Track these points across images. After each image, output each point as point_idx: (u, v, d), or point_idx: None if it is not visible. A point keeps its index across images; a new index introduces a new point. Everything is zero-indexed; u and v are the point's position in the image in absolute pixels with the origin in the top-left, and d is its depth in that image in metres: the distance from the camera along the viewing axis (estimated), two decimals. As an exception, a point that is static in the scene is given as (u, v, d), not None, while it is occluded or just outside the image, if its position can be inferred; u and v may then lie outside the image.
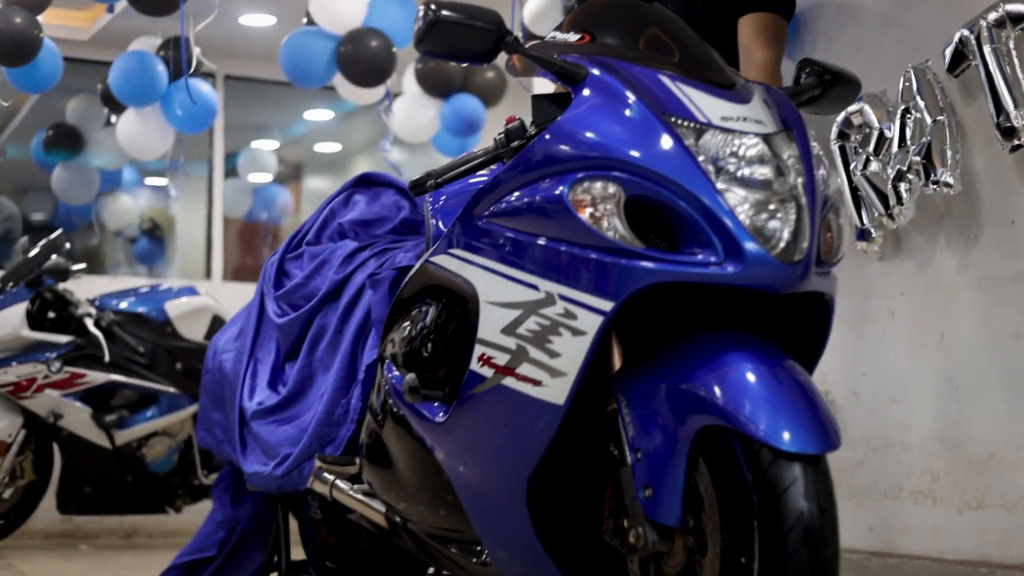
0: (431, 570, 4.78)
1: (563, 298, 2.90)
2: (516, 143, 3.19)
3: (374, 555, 4.50)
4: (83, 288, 7.78)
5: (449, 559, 3.62)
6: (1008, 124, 4.08)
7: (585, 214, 2.86)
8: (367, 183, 4.63)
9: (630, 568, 2.98)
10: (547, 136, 3.02)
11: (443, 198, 3.75)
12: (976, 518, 4.29)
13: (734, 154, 2.87)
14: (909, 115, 4.43)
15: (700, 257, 2.81)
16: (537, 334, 2.95)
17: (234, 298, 6.81)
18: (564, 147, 2.97)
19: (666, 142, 2.87)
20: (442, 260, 3.37)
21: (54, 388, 7.10)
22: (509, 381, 3.03)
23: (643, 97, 2.94)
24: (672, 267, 2.81)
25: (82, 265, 7.64)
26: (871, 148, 4.57)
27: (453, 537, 3.55)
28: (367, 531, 4.40)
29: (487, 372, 3.09)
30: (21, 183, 10.50)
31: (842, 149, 4.69)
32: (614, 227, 2.84)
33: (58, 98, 9.55)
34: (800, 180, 2.90)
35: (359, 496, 3.99)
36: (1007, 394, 4.23)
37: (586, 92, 3.02)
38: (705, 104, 2.95)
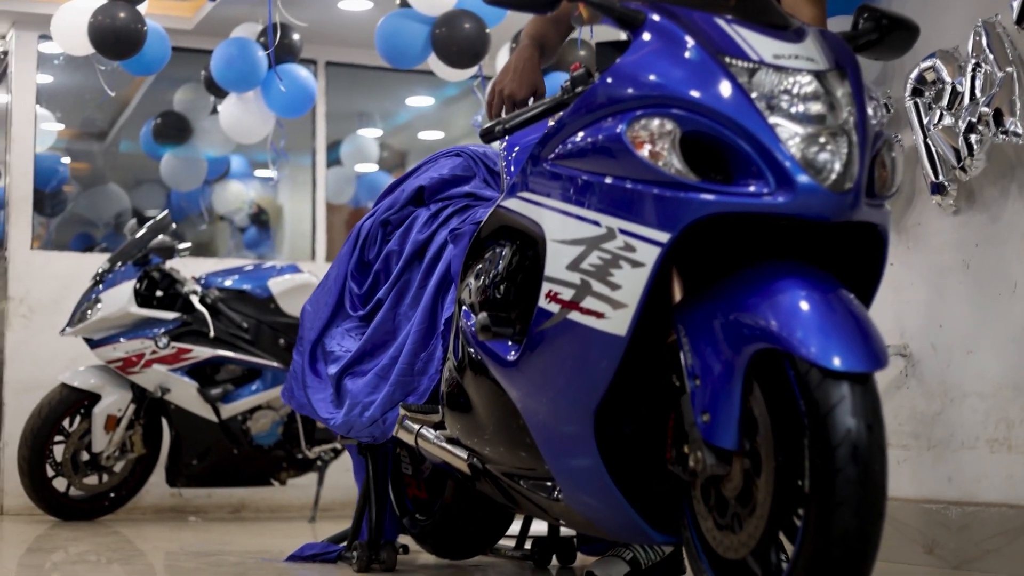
0: (515, 527, 4.93)
1: (623, 232, 3.02)
2: (580, 88, 3.32)
3: (459, 508, 4.63)
4: (190, 269, 8.00)
5: (526, 497, 3.74)
6: (1075, 72, 4.15)
7: (643, 150, 2.98)
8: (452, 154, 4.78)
9: (693, 494, 3.09)
10: (608, 79, 3.15)
11: (517, 148, 3.89)
12: (1050, 463, 4.36)
13: (787, 91, 2.97)
14: (979, 69, 4.50)
15: (753, 188, 2.91)
16: (599, 268, 3.07)
17: None
18: (623, 88, 3.10)
19: (720, 80, 2.97)
20: (512, 204, 3.51)
21: (161, 363, 7.31)
22: (574, 315, 3.15)
23: (699, 39, 3.05)
24: (725, 198, 2.91)
25: (187, 244, 7.86)
26: (944, 103, 4.64)
27: (529, 475, 3.68)
28: (453, 484, 4.55)
29: (554, 308, 3.22)
30: (134, 175, 10.75)
31: (916, 106, 4.75)
32: (670, 162, 2.94)
33: (166, 88, 9.78)
34: (852, 116, 2.98)
35: (443, 443, 4.13)
36: (1079, 339, 4.29)
37: (645, 36, 3.14)
38: (759, 44, 3.05)
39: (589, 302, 3.11)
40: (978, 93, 4.48)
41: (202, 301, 7.42)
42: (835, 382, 2.72)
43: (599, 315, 3.09)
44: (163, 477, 7.72)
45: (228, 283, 7.66)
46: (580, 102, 3.21)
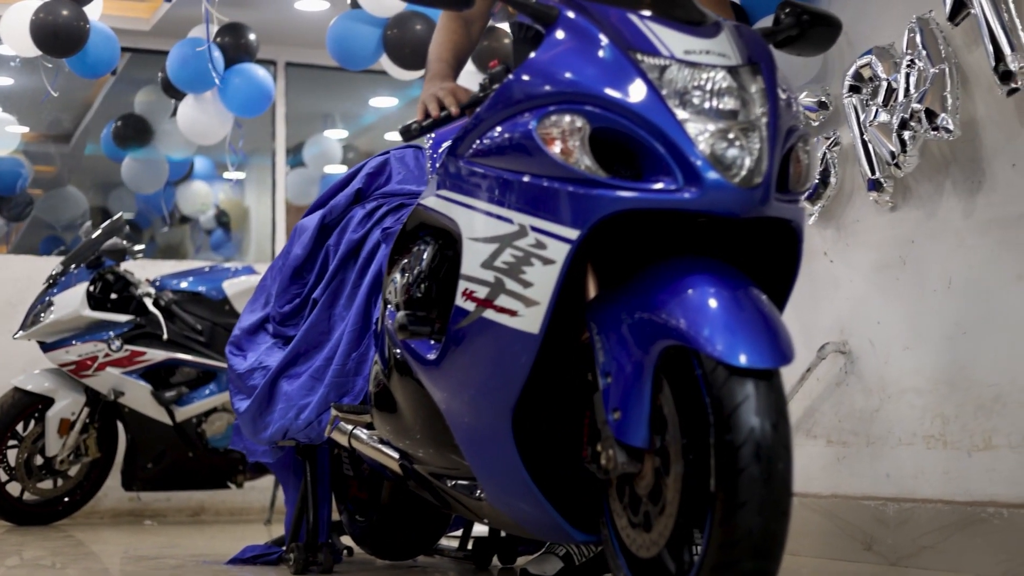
0: (451, 528, 4.92)
1: (534, 229, 3.01)
2: (497, 86, 3.31)
3: (397, 508, 4.63)
4: (149, 271, 7.99)
5: (454, 498, 3.73)
6: (1005, 68, 4.15)
7: (553, 147, 2.97)
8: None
9: (609, 492, 3.08)
10: (521, 75, 3.14)
11: (445, 144, 3.88)
12: (984, 459, 4.36)
13: (698, 87, 2.96)
14: (913, 66, 4.50)
15: (661, 185, 2.90)
16: (512, 265, 3.06)
17: None
18: (536, 84, 3.09)
19: (631, 77, 2.96)
20: (431, 201, 3.50)
21: (115, 366, 7.29)
22: (489, 313, 3.14)
23: (611, 35, 3.04)
24: (633, 195, 2.90)
25: (141, 246, 7.84)
26: (880, 100, 4.64)
27: (455, 476, 3.67)
28: (389, 485, 4.55)
29: (470, 306, 3.21)
30: (101, 177, 10.74)
31: (853, 103, 4.75)
32: (580, 159, 2.93)
33: (127, 90, 9.77)
34: (764, 111, 2.98)
35: (376, 444, 4.12)
36: (1012, 336, 4.29)
37: (559, 32, 3.13)
38: (671, 40, 3.04)
39: (503, 300, 3.10)
40: (912, 90, 4.48)
41: (156, 303, 7.40)
42: (740, 380, 2.71)
43: (512, 313, 3.08)
44: (120, 481, 7.69)
45: (182, 285, 7.64)
46: (495, 98, 3.20)
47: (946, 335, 4.51)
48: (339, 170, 10.95)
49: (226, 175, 10.60)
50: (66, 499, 7.54)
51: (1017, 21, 4.15)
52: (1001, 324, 4.33)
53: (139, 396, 7.36)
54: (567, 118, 2.97)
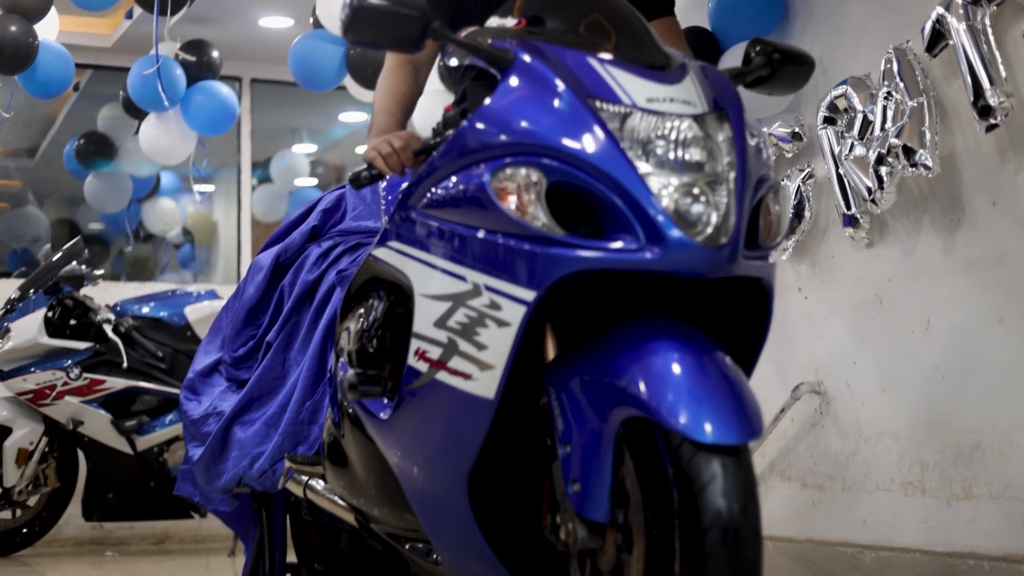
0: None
1: (489, 289, 2.84)
2: (451, 132, 3.13)
3: (355, 556, 4.45)
4: (111, 293, 7.81)
5: (408, 559, 3.57)
6: (984, 103, 3.99)
7: (507, 201, 2.79)
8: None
9: (570, 563, 2.92)
10: (476, 122, 2.95)
11: (403, 186, 3.70)
12: (964, 509, 4.20)
13: (662, 137, 2.78)
14: (890, 97, 4.34)
15: (621, 244, 2.72)
16: (466, 326, 2.89)
17: None
18: (491, 133, 2.90)
19: (590, 126, 2.78)
20: (382, 253, 3.33)
21: (74, 395, 7.11)
22: (442, 375, 2.97)
23: (568, 81, 2.86)
24: (592, 254, 2.73)
25: (100, 272, 7.65)
26: (855, 133, 4.49)
27: (409, 536, 3.50)
28: (347, 534, 4.38)
29: (422, 367, 3.03)
30: (67, 192, 10.54)
31: (828, 135, 4.59)
32: (535, 215, 2.76)
33: (91, 106, 9.59)
34: (731, 162, 2.80)
35: (331, 496, 3.94)
36: (992, 381, 4.13)
37: (514, 78, 2.95)
38: (633, 86, 2.86)
39: (456, 362, 2.93)
40: (888, 123, 4.32)
41: (115, 330, 7.21)
42: (706, 456, 2.54)
43: (466, 376, 2.91)
44: (81, 510, 7.50)
45: (143, 310, 7.45)
46: (448, 146, 3.02)
47: (924, 378, 4.36)
48: (308, 183, 10.79)
49: (195, 188, 10.38)
50: (24, 530, 7.36)
51: (997, 54, 4.00)
52: (981, 368, 4.17)
53: (99, 426, 7.17)
54: (522, 171, 2.79)
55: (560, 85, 2.86)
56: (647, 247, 2.70)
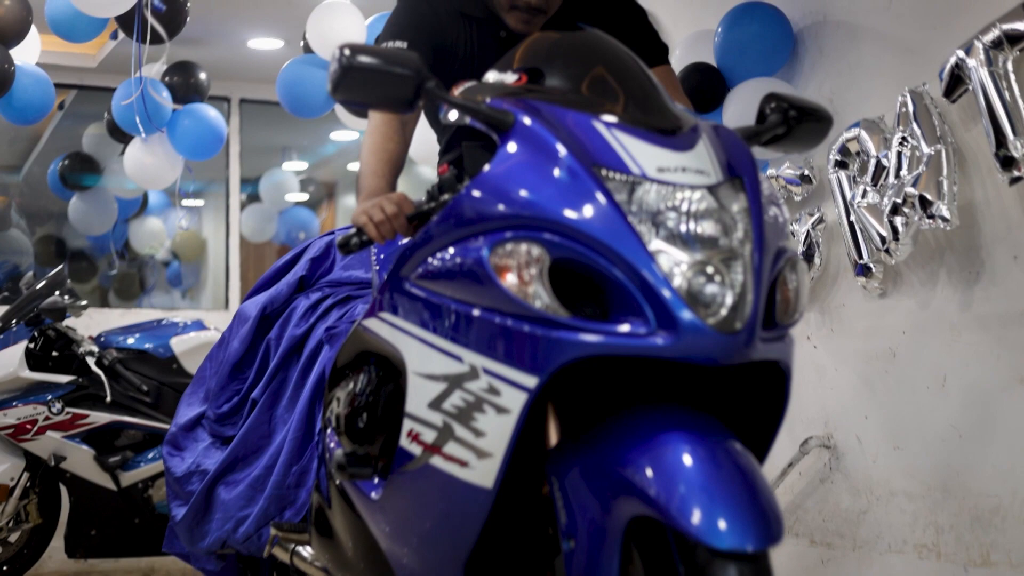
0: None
1: (487, 372, 2.65)
2: (447, 196, 2.94)
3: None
4: (93, 319, 7.60)
5: None
6: (1007, 153, 3.79)
7: (507, 279, 2.60)
8: None
9: (574, 661, 2.72)
10: (473, 190, 2.76)
11: (397, 247, 3.51)
12: (982, 576, 4.01)
13: (673, 208, 2.59)
14: (905, 143, 4.15)
15: (630, 327, 2.52)
16: (462, 411, 2.70)
17: None
18: (489, 203, 2.71)
19: (595, 198, 2.58)
20: (373, 324, 3.13)
21: (56, 430, 6.87)
22: (436, 460, 2.78)
23: (572, 147, 2.67)
24: (598, 339, 2.53)
25: (83, 302, 7.42)
26: (868, 178, 4.29)
27: (401, 618, 3.31)
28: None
29: (416, 449, 2.85)
30: (55, 209, 10.33)
31: (839, 179, 4.40)
32: (537, 294, 2.57)
33: (77, 125, 9.39)
34: (748, 235, 2.61)
35: (318, 566, 3.75)
36: (1012, 443, 3.94)
37: (513, 142, 2.76)
38: (641, 153, 2.66)
39: (452, 448, 2.74)
40: (904, 171, 4.12)
41: (99, 363, 6.97)
42: (721, 564, 2.35)
43: (463, 463, 2.72)
44: (64, 545, 7.29)
45: (128, 341, 7.21)
46: (445, 215, 2.83)
47: (940, 437, 4.16)
48: (299, 198, 10.59)
49: (181, 214, 10.18)
50: (5, 567, 7.14)
51: (1020, 101, 3.80)
52: (1001, 430, 3.98)
53: (82, 461, 6.94)
54: (523, 247, 2.60)
55: (563, 152, 2.67)
56: (657, 332, 2.51)
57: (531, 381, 2.56)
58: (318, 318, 4.11)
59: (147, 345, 7.19)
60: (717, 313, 2.51)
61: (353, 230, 3.14)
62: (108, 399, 6.90)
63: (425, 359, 2.82)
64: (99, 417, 6.92)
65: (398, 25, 3.62)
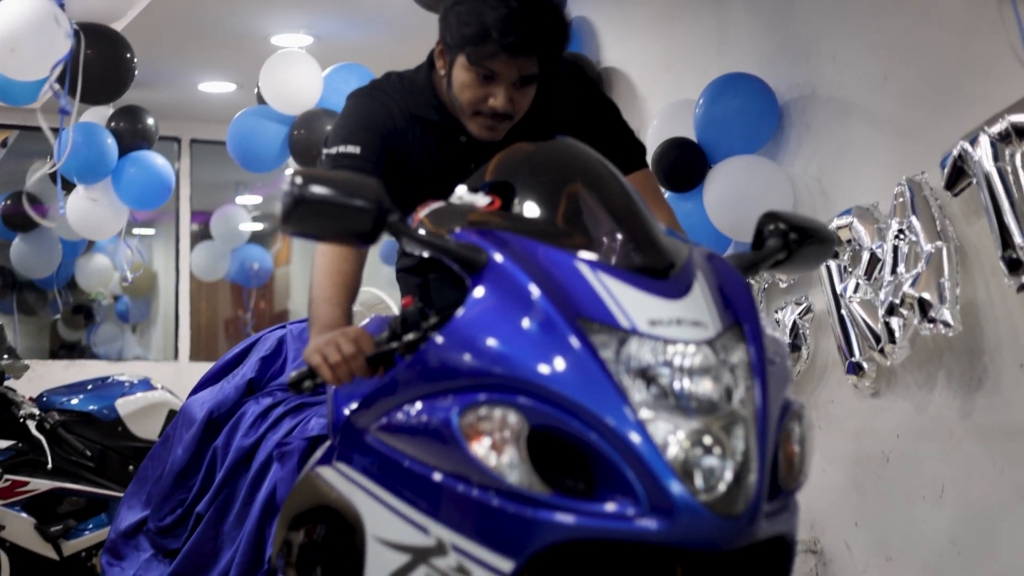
0: None
1: (456, 549, 2.35)
2: (411, 336, 2.62)
3: None
4: (36, 371, 7.26)
5: None
6: (1013, 256, 3.51)
7: (479, 446, 2.30)
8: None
9: None
10: (440, 341, 2.45)
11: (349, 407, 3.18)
12: None
13: (667, 365, 2.29)
14: (903, 236, 3.87)
15: (617, 507, 2.23)
16: (429, 589, 2.39)
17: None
18: (459, 356, 2.41)
19: (578, 355, 2.29)
20: (327, 473, 2.82)
21: (-6, 498, 6.57)
22: (398, 641, 2.47)
23: (552, 294, 2.37)
24: (582, 520, 2.24)
25: (25, 363, 7.07)
26: (861, 271, 4.01)
27: None
28: None
29: (377, 624, 2.53)
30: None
31: (829, 269, 4.11)
32: (514, 467, 2.27)
33: (20, 162, 9.05)
34: (750, 395, 2.31)
35: None
36: (1016, 564, 3.68)
37: (484, 286, 2.45)
38: (631, 302, 2.37)
39: (416, 630, 2.43)
40: (901, 267, 3.84)
41: (40, 427, 6.63)
42: None
43: (428, 649, 2.41)
44: (3, 615, 6.98)
45: (72, 402, 6.88)
46: (410, 365, 2.52)
47: (937, 551, 3.90)
48: (254, 227, 10.28)
49: (135, 231, 9.84)
50: (-60, 641, 6.81)
51: (1028, 199, 3.52)
52: (1004, 550, 3.72)
53: (22, 530, 6.61)
54: (497, 413, 2.30)
55: (541, 299, 2.37)
56: (649, 514, 2.22)
57: (507, 565, 2.27)
58: (268, 427, 3.78)
59: (91, 407, 6.86)
60: (715, 490, 2.23)
61: (305, 367, 2.82)
62: (49, 465, 6.57)
63: (386, 524, 2.52)
64: (40, 484, 6.61)
65: (349, 127, 3.30)
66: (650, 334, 2.31)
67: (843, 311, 4.07)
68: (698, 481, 2.22)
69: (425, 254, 2.58)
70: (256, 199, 10.65)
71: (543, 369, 2.29)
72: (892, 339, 3.86)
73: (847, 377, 4.14)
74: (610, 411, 2.24)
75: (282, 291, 11.57)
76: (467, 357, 2.38)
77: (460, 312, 2.45)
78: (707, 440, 2.24)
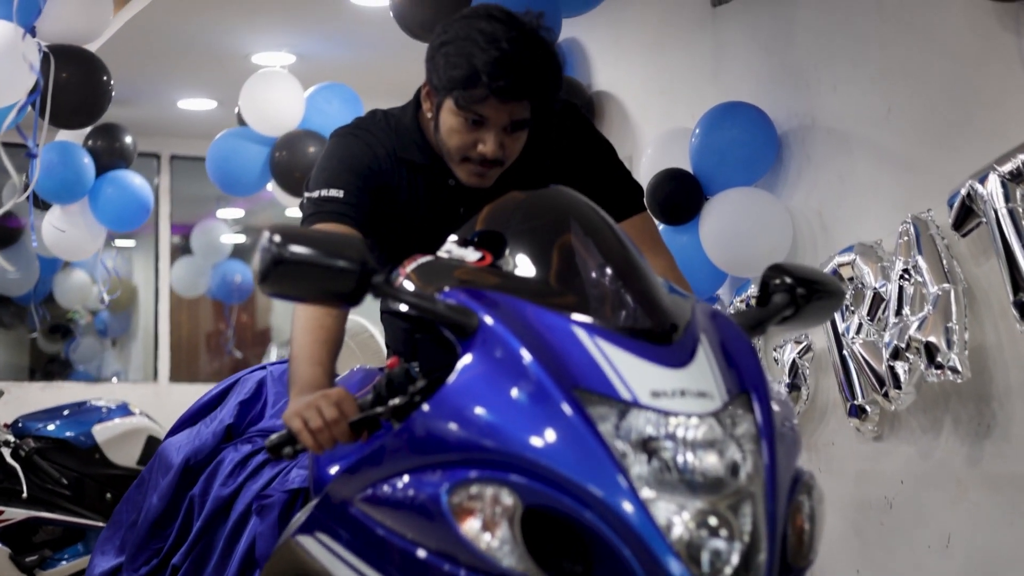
0: None
1: (443, 632, 2.19)
2: (397, 401, 2.47)
3: None
4: (11, 393, 7.11)
5: None
6: (1024, 301, 3.36)
7: (469, 528, 2.15)
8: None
9: None
10: (430, 409, 2.30)
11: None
12: None
13: (670, 436, 2.14)
14: (908, 277, 3.71)
15: (617, 594, 2.08)
16: (417, 675, 2.24)
17: (180, 403, 6.09)
18: (448, 427, 2.25)
19: (575, 429, 2.13)
20: (309, 544, 2.65)
21: (-32, 528, 6.42)
22: None
23: (548, 363, 2.21)
24: (578, 609, 2.09)
25: (0, 390, 6.93)
26: (864, 311, 3.86)
27: None
28: None
29: None
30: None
31: (831, 308, 3.96)
32: (507, 549, 2.12)
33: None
34: (758, 470, 2.16)
35: None
36: (1029, 622, 3.51)
37: (475, 353, 2.30)
38: (632, 371, 2.21)
39: None
40: (906, 309, 3.68)
41: (15, 454, 6.49)
42: None
43: None
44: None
45: (49, 428, 6.73)
46: (399, 433, 2.36)
47: (945, 604, 3.74)
48: (236, 239, 10.11)
49: (116, 242, 9.69)
50: (-87, 673, 6.66)
51: (1041, 241, 3.37)
52: (1016, 606, 3.55)
53: (-4, 561, 6.47)
54: (489, 492, 2.14)
55: (536, 369, 2.21)
56: (651, 600, 2.07)
57: (498, 652, 2.11)
58: (248, 477, 3.61)
59: (68, 433, 6.72)
60: (721, 573, 2.09)
61: (284, 430, 2.66)
62: (25, 494, 6.43)
63: (369, 602, 2.37)
64: (15, 513, 6.46)
65: (331, 169, 3.11)
66: (652, 406, 2.16)
67: (845, 351, 3.92)
68: (704, 565, 2.07)
69: (401, 308, 2.43)
70: (238, 212, 10.47)
71: (537, 443, 2.13)
72: (897, 384, 3.70)
73: (849, 419, 3.98)
74: (609, 489, 2.08)
75: (264, 306, 11.41)
76: (456, 429, 2.23)
77: (450, 379, 2.30)
78: (713, 521, 2.10)
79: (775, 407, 2.30)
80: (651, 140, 4.88)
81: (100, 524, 6.54)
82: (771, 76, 4.53)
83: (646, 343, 2.27)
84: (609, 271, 2.45)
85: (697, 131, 4.55)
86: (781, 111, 4.41)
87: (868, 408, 3.90)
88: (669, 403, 2.16)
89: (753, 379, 2.29)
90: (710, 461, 2.13)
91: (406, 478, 2.30)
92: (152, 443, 6.72)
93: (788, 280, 2.70)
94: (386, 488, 2.35)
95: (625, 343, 2.26)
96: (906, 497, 3.89)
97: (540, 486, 2.11)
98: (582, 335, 2.26)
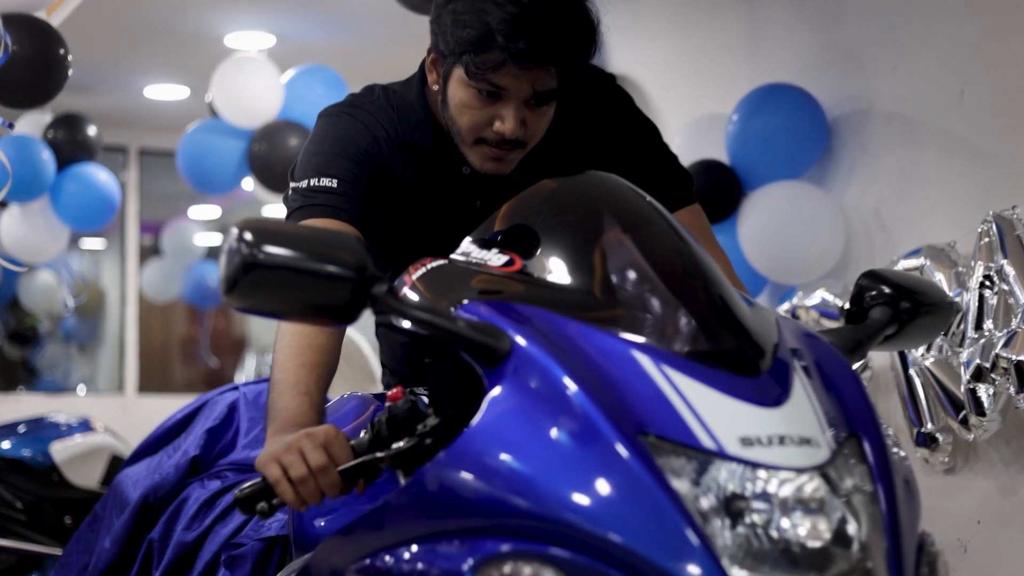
0: None
1: None
2: (403, 444, 1.97)
3: None
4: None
5: None
6: None
7: (502, 613, 1.71)
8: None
9: None
10: (447, 457, 1.82)
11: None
12: None
13: (763, 495, 1.68)
14: (990, 285, 3.26)
15: None
16: None
17: (149, 417, 5.69)
18: (471, 485, 1.79)
19: (641, 488, 1.68)
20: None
21: (-88, 556, 6.02)
22: None
23: (604, 399, 1.74)
24: None
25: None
26: (938, 324, 3.41)
27: None
28: None
29: None
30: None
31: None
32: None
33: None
34: (876, 540, 1.70)
35: None
36: None
37: (506, 385, 1.82)
38: (714, 412, 1.74)
39: None
40: (988, 322, 3.24)
41: (-34, 477, 6.09)
42: None
43: None
44: None
45: (3, 446, 6.33)
46: (407, 489, 1.90)
47: (1033, 667, 3.29)
48: (211, 242, 9.75)
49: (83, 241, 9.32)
50: None
51: None
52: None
53: (-57, 593, 6.07)
54: (527, 571, 1.69)
55: (589, 407, 1.75)
56: None
57: None
58: (216, 520, 3.14)
59: (23, 452, 6.30)
60: None
61: (259, 480, 2.15)
62: (-25, 520, 6.03)
63: None
64: (-36, 541, 6.05)
65: (322, 154, 2.59)
66: (743, 458, 1.70)
67: (912, 371, 3.50)
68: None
69: (404, 325, 1.92)
70: (213, 210, 10.18)
71: (589, 505, 1.70)
72: (979, 410, 3.26)
73: (916, 449, 3.60)
74: (687, 567, 1.63)
75: (241, 311, 11.25)
76: (483, 486, 1.79)
77: (475, 420, 1.81)
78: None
79: (891, 454, 1.83)
80: (677, 129, 4.52)
81: (58, 552, 6.11)
82: (817, 56, 4.22)
83: (728, 373, 1.82)
84: (671, 278, 1.95)
85: (734, 117, 4.23)
86: (830, 95, 4.10)
87: (939, 436, 3.48)
88: (765, 453, 1.72)
89: (863, 418, 1.86)
90: (818, 529, 1.68)
91: (415, 548, 1.87)
92: (116, 463, 6.33)
93: (888, 291, 2.25)
94: (389, 559, 1.91)
95: (702, 373, 1.80)
96: (984, 540, 3.51)
97: (592, 562, 1.70)
98: (646, 363, 1.80)
